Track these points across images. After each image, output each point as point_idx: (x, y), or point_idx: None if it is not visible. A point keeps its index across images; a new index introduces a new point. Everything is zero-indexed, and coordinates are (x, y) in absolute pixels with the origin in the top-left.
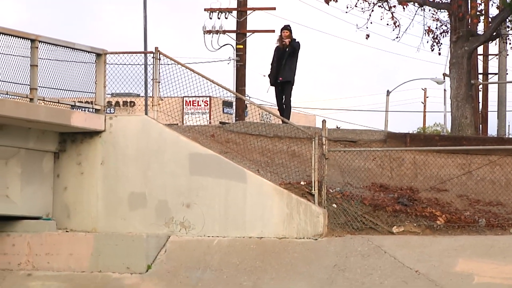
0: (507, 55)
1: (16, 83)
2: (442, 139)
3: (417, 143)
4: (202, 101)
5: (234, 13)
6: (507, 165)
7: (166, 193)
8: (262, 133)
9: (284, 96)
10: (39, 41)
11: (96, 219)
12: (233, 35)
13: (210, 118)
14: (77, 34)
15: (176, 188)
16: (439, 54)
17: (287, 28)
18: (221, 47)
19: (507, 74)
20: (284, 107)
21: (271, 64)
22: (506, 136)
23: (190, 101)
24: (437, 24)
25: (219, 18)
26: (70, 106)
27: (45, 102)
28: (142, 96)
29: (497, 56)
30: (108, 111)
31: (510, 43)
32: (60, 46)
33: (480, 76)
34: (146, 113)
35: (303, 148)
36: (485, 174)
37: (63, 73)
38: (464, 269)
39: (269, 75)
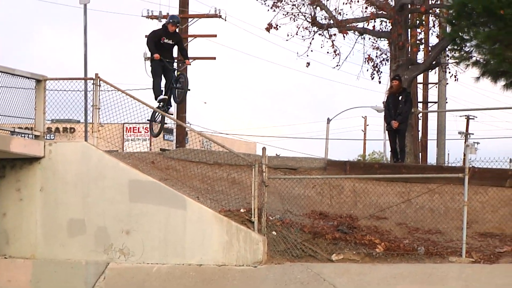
0: (447, 83)
1: None
2: (382, 167)
3: (357, 171)
4: (143, 127)
5: None
6: (446, 193)
7: (105, 220)
8: (203, 160)
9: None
10: None
11: (35, 246)
12: None
13: (150, 145)
14: (16, 60)
15: (115, 215)
16: (379, 82)
17: (395, 78)
18: None
19: (446, 102)
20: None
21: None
22: (445, 165)
23: (130, 128)
24: (377, 53)
25: None
26: (9, 132)
27: None
28: (82, 123)
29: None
30: (48, 137)
31: (449, 72)
32: None
33: (420, 105)
34: (86, 140)
35: (243, 175)
36: (424, 202)
37: (2, 98)
38: None
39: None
